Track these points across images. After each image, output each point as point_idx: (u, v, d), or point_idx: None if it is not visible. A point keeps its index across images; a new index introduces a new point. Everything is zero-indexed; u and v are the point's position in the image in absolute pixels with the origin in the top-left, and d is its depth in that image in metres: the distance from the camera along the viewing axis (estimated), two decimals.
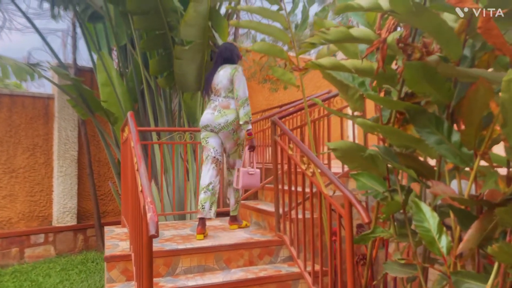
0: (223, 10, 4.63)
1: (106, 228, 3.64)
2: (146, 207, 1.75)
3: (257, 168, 3.77)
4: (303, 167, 2.57)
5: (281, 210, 2.99)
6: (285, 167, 2.98)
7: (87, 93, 4.86)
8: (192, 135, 4.39)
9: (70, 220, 5.50)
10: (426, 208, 1.68)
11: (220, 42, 4.08)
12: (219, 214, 5.41)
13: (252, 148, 3.16)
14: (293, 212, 2.90)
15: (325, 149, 3.60)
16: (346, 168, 3.33)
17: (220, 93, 3.17)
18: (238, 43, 5.17)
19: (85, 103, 4.97)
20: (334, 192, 2.32)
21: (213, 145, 3.18)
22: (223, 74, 3.17)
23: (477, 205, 1.62)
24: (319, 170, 2.47)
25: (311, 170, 2.53)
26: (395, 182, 2.06)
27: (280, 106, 5.61)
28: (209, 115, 3.15)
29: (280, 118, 3.01)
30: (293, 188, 2.96)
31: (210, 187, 3.14)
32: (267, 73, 6.14)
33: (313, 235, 2.50)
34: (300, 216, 2.85)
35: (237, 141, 3.21)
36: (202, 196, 3.12)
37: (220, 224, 3.70)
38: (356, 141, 5.66)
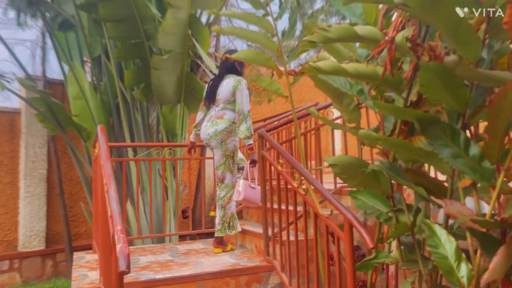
0: (204, 19, 4.42)
1: (75, 255, 3.29)
2: (116, 236, 1.47)
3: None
4: (295, 184, 2.33)
5: (270, 232, 2.73)
6: (273, 183, 2.74)
7: (57, 106, 4.52)
8: (171, 151, 4.10)
9: (37, 244, 5.07)
10: (441, 231, 1.46)
11: (201, 52, 3.85)
12: (201, 236, 5.10)
13: (253, 163, 2.99)
14: (283, 233, 2.65)
15: (317, 165, 3.38)
16: (339, 183, 3.11)
17: (218, 104, 3.07)
18: (219, 55, 4.96)
19: (54, 118, 4.62)
20: (331, 212, 2.09)
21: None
22: (225, 86, 3.05)
23: (502, 228, 1.41)
24: (312, 187, 2.23)
25: (303, 186, 2.30)
26: (400, 201, 1.85)
27: (264, 120, 5.39)
28: (203, 129, 3.10)
29: (268, 131, 2.78)
30: (283, 207, 2.72)
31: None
32: (249, 85, 5.95)
33: (307, 259, 2.25)
34: (292, 238, 2.60)
35: (225, 152, 3.03)
36: (217, 213, 3.11)
37: (202, 247, 3.40)
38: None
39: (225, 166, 3.06)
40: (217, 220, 3.10)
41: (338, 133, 7.19)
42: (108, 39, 4.00)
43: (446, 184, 1.72)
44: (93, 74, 4.79)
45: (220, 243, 3.14)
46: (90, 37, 4.54)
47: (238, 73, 3.13)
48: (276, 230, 2.69)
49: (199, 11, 4.03)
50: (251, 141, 2.93)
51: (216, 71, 4.20)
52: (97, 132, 2.71)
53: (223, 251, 3.15)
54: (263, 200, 2.79)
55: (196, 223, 5.57)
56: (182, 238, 4.94)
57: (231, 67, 3.10)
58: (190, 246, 3.46)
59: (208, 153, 6.04)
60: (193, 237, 4.91)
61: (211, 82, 3.15)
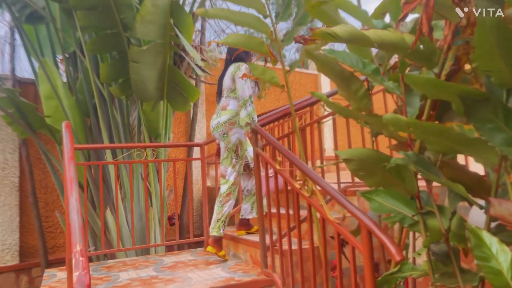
0: (187, 8, 4.05)
1: (46, 272, 2.89)
2: (74, 261, 1.11)
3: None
4: (297, 185, 1.99)
5: (267, 240, 2.39)
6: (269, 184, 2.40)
7: (26, 107, 4.10)
8: (154, 152, 3.73)
9: (10, 259, 4.62)
10: (491, 239, 1.14)
11: (184, 42, 3.49)
12: (190, 245, 4.72)
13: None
14: (284, 240, 2.30)
15: (314, 164, 3.05)
16: (343, 183, 2.78)
17: (223, 94, 2.99)
18: (205, 49, 4.60)
19: (24, 120, 4.20)
20: (344, 217, 1.75)
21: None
22: (227, 74, 2.94)
23: None
24: (318, 188, 1.90)
25: (305, 187, 1.96)
26: (428, 201, 1.53)
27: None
28: (211, 121, 3.01)
29: (262, 125, 2.43)
30: (282, 211, 2.37)
31: (245, 191, 3.10)
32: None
33: (314, 271, 1.91)
34: (294, 246, 2.25)
35: (227, 146, 2.86)
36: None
37: (191, 259, 3.03)
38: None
39: (227, 160, 2.87)
40: (213, 217, 2.84)
41: (328, 130, 6.91)
42: (81, 30, 3.61)
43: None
44: (67, 71, 4.38)
45: (216, 242, 2.83)
46: (63, 31, 4.14)
47: (243, 61, 2.94)
48: (274, 237, 2.36)
49: None
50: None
51: (201, 64, 3.85)
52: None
53: (216, 253, 2.83)
54: (258, 204, 2.44)
55: (183, 231, 5.19)
56: (169, 247, 4.56)
57: (236, 56, 2.92)
58: (177, 258, 3.09)
59: (196, 154, 5.67)
60: (181, 247, 4.53)
61: (220, 75, 3.08)
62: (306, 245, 2.53)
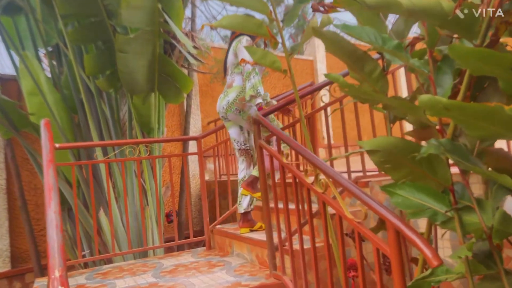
0: None
1: (36, 283, 2.68)
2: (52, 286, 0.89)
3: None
4: (308, 180, 1.79)
5: (275, 239, 2.20)
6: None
7: (8, 105, 3.85)
8: (148, 148, 3.51)
9: (2, 265, 4.41)
10: None
11: (175, 29, 3.25)
12: (190, 245, 4.53)
13: (286, 112, 2.72)
14: (293, 237, 2.10)
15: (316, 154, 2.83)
16: (353, 173, 2.58)
17: (228, 72, 2.87)
18: (197, 36, 4.35)
19: (6, 118, 3.94)
20: (366, 216, 1.55)
21: (233, 136, 2.88)
22: (230, 50, 2.81)
23: None
24: (330, 180, 1.70)
25: (318, 181, 1.76)
26: (464, 195, 1.34)
27: None
28: (218, 102, 2.86)
29: (265, 115, 2.22)
30: (290, 206, 2.18)
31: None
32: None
33: (331, 273, 1.73)
34: (302, 245, 2.06)
35: (249, 121, 2.74)
36: (239, 191, 2.85)
37: (192, 261, 2.83)
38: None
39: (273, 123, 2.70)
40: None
41: (322, 118, 6.69)
42: (63, 20, 3.34)
43: None
44: (51, 66, 4.12)
45: (247, 221, 2.82)
46: (44, 22, 3.86)
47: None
48: (283, 235, 2.16)
49: None
50: (259, 100, 2.55)
51: (194, 51, 3.62)
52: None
53: (251, 230, 2.81)
54: (264, 200, 2.24)
55: (182, 227, 5.00)
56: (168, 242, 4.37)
57: (239, 33, 2.81)
58: (177, 260, 2.89)
59: (191, 147, 5.45)
60: (180, 246, 4.34)
61: (225, 56, 2.94)
62: (317, 243, 2.35)
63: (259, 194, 2.91)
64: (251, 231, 2.82)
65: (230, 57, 2.79)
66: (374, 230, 1.57)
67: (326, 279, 2.13)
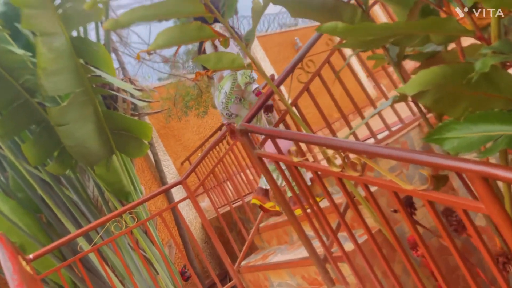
0: (93, 36, 3.39)
1: None
2: None
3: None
4: (335, 168, 1.47)
5: (320, 249, 1.86)
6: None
7: None
8: (133, 215, 3.09)
9: None
10: None
11: (108, 78, 2.87)
12: None
13: (269, 109, 2.53)
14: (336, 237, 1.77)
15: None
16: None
17: None
18: (135, 79, 3.98)
19: None
20: (431, 179, 1.24)
21: None
22: (206, 45, 2.56)
23: None
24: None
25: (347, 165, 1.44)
26: None
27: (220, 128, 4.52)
28: (215, 100, 2.68)
29: (249, 119, 1.88)
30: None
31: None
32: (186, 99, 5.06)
33: (388, 264, 1.41)
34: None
35: (250, 108, 2.45)
36: None
37: None
38: None
39: (260, 123, 2.54)
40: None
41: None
42: None
43: None
44: None
45: (263, 195, 2.61)
46: None
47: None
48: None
49: (81, 28, 3.04)
50: (255, 86, 2.45)
51: (138, 94, 3.25)
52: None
53: (261, 205, 2.63)
54: (288, 213, 1.90)
55: (202, 278, 4.56)
56: None
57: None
58: None
59: (175, 195, 5.02)
60: None
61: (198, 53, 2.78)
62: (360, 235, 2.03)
63: (271, 203, 2.66)
64: (261, 207, 2.66)
65: (209, 49, 2.55)
66: (436, 187, 1.27)
67: (395, 268, 1.81)
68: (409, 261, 1.42)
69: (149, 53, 2.18)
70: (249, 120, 1.88)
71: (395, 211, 1.78)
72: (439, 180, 1.38)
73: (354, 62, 6.77)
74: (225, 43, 1.90)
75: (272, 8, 9.23)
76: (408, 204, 1.75)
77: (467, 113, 1.05)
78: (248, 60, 1.84)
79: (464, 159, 1.11)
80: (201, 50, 2.65)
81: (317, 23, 1.31)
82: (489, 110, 1.04)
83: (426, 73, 0.97)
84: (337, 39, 2.28)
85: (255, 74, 2.41)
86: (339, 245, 1.69)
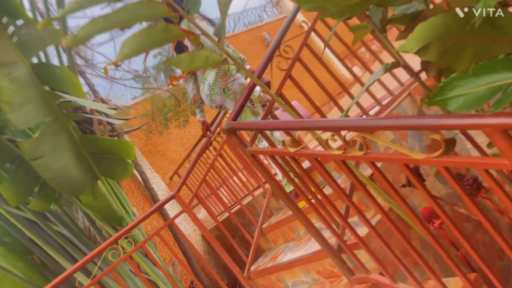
0: (56, 59, 3.22)
1: None
2: None
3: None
4: (337, 152, 1.36)
5: (331, 240, 1.76)
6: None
7: None
8: (129, 239, 2.94)
9: None
10: None
11: (78, 101, 2.72)
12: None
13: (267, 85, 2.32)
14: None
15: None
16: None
17: None
18: (107, 99, 3.82)
19: None
20: (445, 143, 1.15)
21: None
22: (186, 40, 2.42)
23: None
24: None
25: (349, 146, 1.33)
26: None
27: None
28: (201, 94, 2.56)
29: (235, 117, 1.76)
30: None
31: None
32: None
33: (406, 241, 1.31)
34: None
35: (235, 98, 2.40)
36: None
37: None
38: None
39: (245, 114, 2.46)
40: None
41: None
42: None
43: None
44: None
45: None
46: None
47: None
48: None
49: (41, 52, 2.87)
50: (248, 66, 2.33)
51: (113, 112, 3.10)
52: None
53: None
54: (293, 208, 1.78)
55: None
56: None
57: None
58: None
59: (169, 211, 4.87)
60: None
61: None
62: (371, 217, 1.94)
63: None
64: None
65: (187, 43, 2.44)
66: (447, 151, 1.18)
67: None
68: (428, 231, 1.33)
69: (116, 66, 2.04)
70: (235, 117, 1.76)
71: (404, 185, 1.69)
72: (449, 144, 1.29)
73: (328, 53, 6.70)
74: (196, 41, 1.79)
75: (236, 7, 9.13)
76: (418, 175, 1.66)
77: (473, 65, 0.96)
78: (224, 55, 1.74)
79: (479, 114, 1.02)
80: (180, 49, 2.52)
81: (285, 15, 1.21)
82: (493, 58, 0.96)
83: (426, 25, 0.87)
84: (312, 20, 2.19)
85: (243, 56, 2.35)
86: (353, 231, 1.59)
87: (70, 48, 2.04)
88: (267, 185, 3.30)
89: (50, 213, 3.20)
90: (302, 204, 2.15)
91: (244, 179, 3.70)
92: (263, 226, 2.86)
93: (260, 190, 3.39)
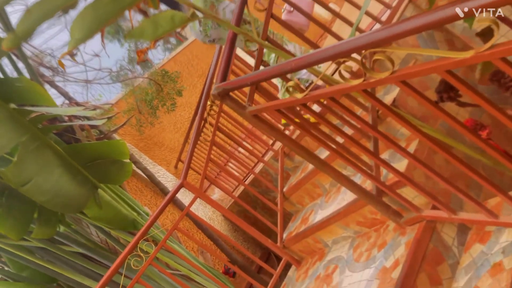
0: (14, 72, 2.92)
1: None
2: None
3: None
4: (356, 81, 1.11)
5: (365, 184, 1.53)
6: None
7: None
8: (150, 240, 2.76)
9: None
10: None
11: (53, 111, 2.45)
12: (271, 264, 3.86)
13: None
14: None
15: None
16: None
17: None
18: (88, 101, 3.54)
19: None
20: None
21: None
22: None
23: None
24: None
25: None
26: None
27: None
28: (192, 32, 2.35)
29: (223, 78, 1.50)
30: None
31: None
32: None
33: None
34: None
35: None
36: None
37: None
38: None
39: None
40: None
41: None
42: None
43: None
44: None
45: None
46: None
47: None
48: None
49: None
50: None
51: (94, 113, 2.84)
52: None
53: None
54: (312, 159, 1.55)
55: (247, 267, 4.29)
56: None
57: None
58: None
59: (186, 196, 4.68)
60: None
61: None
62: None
63: None
64: None
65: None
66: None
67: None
68: (479, 138, 1.08)
69: (72, 56, 1.76)
70: (224, 77, 1.50)
71: (436, 102, 1.45)
72: (486, 35, 1.04)
73: None
74: (155, 4, 1.51)
75: None
76: (449, 88, 1.42)
77: None
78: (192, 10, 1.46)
79: None
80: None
81: None
82: None
83: None
84: None
85: None
86: (391, 168, 1.35)
87: (11, 50, 1.75)
88: (275, 146, 3.07)
89: (60, 236, 3.01)
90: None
91: (249, 147, 3.47)
92: (284, 190, 2.65)
93: (270, 154, 3.16)
